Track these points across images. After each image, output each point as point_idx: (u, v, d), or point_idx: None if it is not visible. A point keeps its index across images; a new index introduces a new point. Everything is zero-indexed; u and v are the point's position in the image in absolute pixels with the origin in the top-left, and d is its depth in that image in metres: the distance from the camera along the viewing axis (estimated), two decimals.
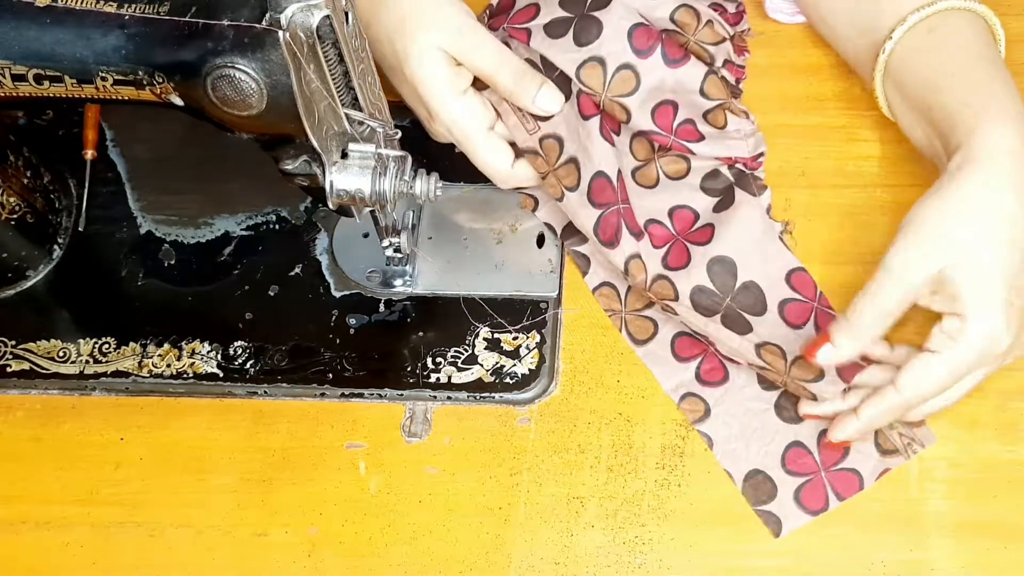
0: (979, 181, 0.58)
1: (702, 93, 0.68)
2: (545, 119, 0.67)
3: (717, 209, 0.68)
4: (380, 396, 0.67)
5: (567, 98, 0.67)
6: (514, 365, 0.67)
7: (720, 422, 0.64)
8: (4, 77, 0.54)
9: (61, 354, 0.69)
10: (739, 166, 0.69)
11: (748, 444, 0.64)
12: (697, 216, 0.68)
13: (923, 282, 0.58)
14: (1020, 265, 0.57)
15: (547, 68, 0.67)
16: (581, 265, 0.70)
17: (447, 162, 0.73)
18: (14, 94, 0.55)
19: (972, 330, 0.57)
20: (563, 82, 0.67)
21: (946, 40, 0.63)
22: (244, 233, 0.73)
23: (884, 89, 0.67)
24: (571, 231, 0.70)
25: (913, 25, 0.64)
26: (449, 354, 0.67)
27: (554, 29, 0.67)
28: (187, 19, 0.51)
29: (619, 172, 0.67)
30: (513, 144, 0.67)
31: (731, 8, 0.73)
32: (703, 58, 0.70)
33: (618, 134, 0.68)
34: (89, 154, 0.74)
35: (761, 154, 0.70)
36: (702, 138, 0.68)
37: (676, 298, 0.65)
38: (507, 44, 0.68)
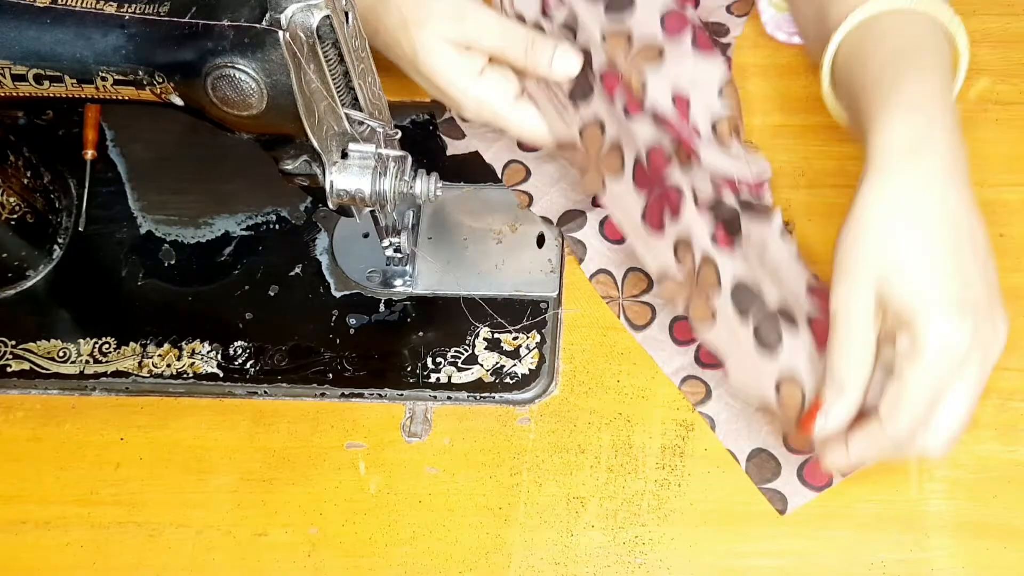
0: (876, 193, 0.54)
1: (720, 94, 0.66)
2: (585, 107, 0.65)
3: (729, 231, 0.65)
4: (380, 396, 0.67)
5: (591, 80, 0.65)
6: (514, 365, 0.67)
7: (722, 403, 0.65)
8: (4, 77, 0.54)
9: (61, 354, 0.69)
10: (743, 195, 0.66)
11: (750, 424, 0.64)
12: (711, 236, 0.65)
13: (872, 312, 0.54)
14: (949, 255, 0.53)
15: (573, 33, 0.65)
16: (577, 252, 0.69)
17: (447, 162, 0.73)
18: (14, 94, 0.55)
19: (922, 341, 0.52)
20: (587, 64, 0.65)
21: (875, 42, 0.60)
22: (244, 233, 0.73)
23: (835, 97, 0.65)
24: (568, 217, 0.70)
25: (850, 30, 0.61)
26: (449, 354, 0.67)
27: None
28: (187, 19, 0.51)
29: (648, 153, 0.65)
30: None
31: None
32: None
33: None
34: (89, 154, 0.74)
35: (766, 182, 0.67)
36: (703, 143, 0.66)
37: (719, 284, 0.62)
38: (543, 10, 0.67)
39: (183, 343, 0.69)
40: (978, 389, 0.54)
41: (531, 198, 0.71)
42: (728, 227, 0.64)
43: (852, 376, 0.55)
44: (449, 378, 0.67)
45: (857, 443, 0.56)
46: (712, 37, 0.72)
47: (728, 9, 0.76)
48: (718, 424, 0.64)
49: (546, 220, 0.71)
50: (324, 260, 0.71)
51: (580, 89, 0.66)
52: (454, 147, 0.74)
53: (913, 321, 0.52)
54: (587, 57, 0.66)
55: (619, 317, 0.68)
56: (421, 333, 0.68)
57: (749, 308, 0.62)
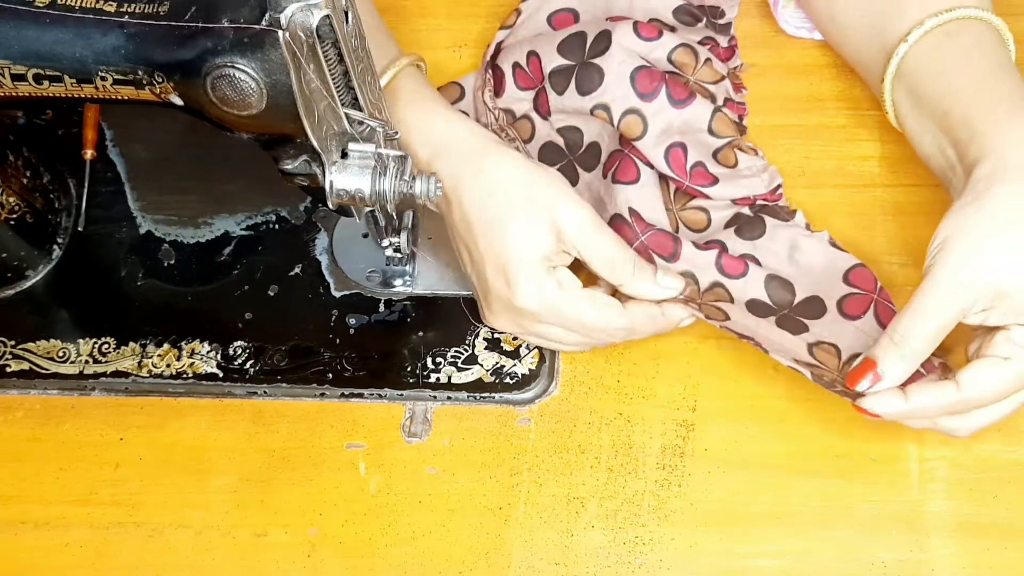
0: (1010, 187, 0.56)
1: (711, 131, 0.67)
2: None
3: (749, 238, 0.66)
4: (380, 396, 0.67)
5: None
6: (514, 365, 0.67)
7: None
8: (4, 77, 0.54)
9: (61, 354, 0.69)
10: (760, 202, 0.68)
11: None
12: (725, 248, 0.66)
13: (977, 297, 0.56)
14: None
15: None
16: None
17: None
18: (13, 94, 0.55)
19: None
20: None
21: (965, 46, 0.62)
22: (244, 233, 0.73)
23: (893, 94, 0.66)
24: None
25: (930, 29, 0.63)
26: (449, 354, 0.67)
27: (557, 82, 0.68)
28: (187, 19, 0.51)
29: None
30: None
31: (723, 43, 0.73)
32: (706, 97, 0.69)
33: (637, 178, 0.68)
34: (89, 154, 0.74)
35: (779, 186, 0.68)
36: (716, 180, 0.67)
37: (731, 300, 0.64)
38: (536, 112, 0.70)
39: (183, 343, 0.69)
40: None
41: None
42: (745, 231, 0.66)
43: (924, 349, 0.57)
44: (449, 378, 0.67)
45: (922, 396, 0.58)
46: (712, 20, 0.73)
47: None
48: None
49: None
50: (324, 260, 0.71)
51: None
52: None
53: None
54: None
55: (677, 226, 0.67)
56: (421, 333, 0.68)
57: (766, 314, 0.64)
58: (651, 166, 0.67)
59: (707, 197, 0.67)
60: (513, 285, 0.60)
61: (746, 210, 0.68)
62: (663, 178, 0.68)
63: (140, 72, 0.53)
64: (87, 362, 0.69)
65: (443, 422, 0.66)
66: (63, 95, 0.54)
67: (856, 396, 0.59)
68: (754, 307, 0.64)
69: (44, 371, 0.69)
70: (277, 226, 0.73)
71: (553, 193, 0.61)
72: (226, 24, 0.50)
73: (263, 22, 0.50)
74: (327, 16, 0.50)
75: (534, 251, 0.60)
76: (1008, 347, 0.56)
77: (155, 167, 0.75)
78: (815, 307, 0.64)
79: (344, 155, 0.57)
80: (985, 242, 0.56)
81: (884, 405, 0.58)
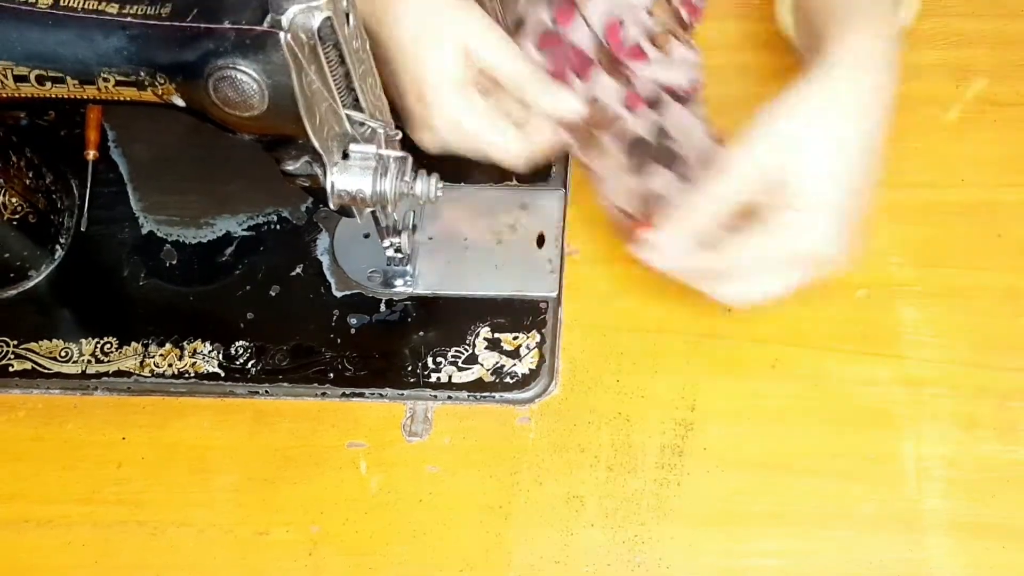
0: (823, 84, 0.60)
1: (649, 12, 0.70)
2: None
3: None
4: (381, 395, 0.67)
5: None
6: (514, 365, 0.67)
7: None
8: (6, 78, 0.54)
9: (63, 354, 0.69)
10: (680, 94, 0.70)
11: None
12: (633, 88, 0.69)
13: (758, 178, 0.59)
14: (855, 168, 0.59)
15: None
16: None
17: (447, 163, 0.73)
18: (16, 95, 0.55)
19: (809, 225, 0.58)
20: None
21: None
22: (245, 233, 0.73)
23: (783, 8, 0.70)
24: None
25: None
26: (449, 354, 0.68)
27: None
28: (189, 20, 0.51)
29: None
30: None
31: None
32: None
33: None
34: (91, 154, 0.75)
35: (699, 82, 0.70)
36: (648, 61, 0.69)
37: (623, 135, 0.68)
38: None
39: (184, 343, 0.69)
40: (799, 283, 0.61)
41: None
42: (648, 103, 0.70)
43: (700, 216, 0.60)
44: (449, 378, 0.67)
45: (685, 252, 0.61)
46: None
47: None
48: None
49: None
50: (325, 260, 0.71)
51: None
52: None
53: (809, 210, 0.58)
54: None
55: None
56: (421, 333, 0.68)
57: (639, 156, 0.67)
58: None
59: (635, 76, 0.69)
60: (428, 106, 0.64)
61: (666, 97, 0.70)
62: (600, 48, 0.70)
63: (142, 73, 0.53)
64: (89, 362, 0.69)
65: (443, 421, 0.66)
66: (66, 96, 0.55)
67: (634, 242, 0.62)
68: (635, 149, 0.67)
69: (46, 371, 0.69)
70: (278, 226, 0.73)
71: (462, 17, 0.64)
72: (228, 26, 0.51)
73: (265, 24, 0.50)
74: (328, 18, 0.51)
75: (446, 73, 0.63)
76: (771, 223, 0.59)
77: (157, 168, 0.76)
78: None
79: (345, 156, 0.58)
80: (775, 129, 0.59)
81: (649, 253, 0.62)
